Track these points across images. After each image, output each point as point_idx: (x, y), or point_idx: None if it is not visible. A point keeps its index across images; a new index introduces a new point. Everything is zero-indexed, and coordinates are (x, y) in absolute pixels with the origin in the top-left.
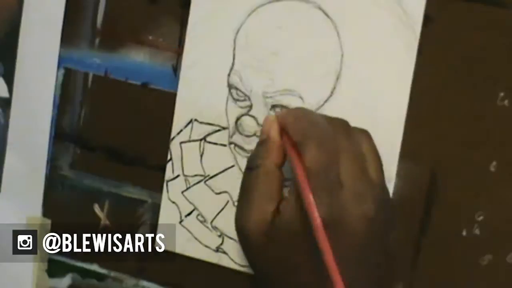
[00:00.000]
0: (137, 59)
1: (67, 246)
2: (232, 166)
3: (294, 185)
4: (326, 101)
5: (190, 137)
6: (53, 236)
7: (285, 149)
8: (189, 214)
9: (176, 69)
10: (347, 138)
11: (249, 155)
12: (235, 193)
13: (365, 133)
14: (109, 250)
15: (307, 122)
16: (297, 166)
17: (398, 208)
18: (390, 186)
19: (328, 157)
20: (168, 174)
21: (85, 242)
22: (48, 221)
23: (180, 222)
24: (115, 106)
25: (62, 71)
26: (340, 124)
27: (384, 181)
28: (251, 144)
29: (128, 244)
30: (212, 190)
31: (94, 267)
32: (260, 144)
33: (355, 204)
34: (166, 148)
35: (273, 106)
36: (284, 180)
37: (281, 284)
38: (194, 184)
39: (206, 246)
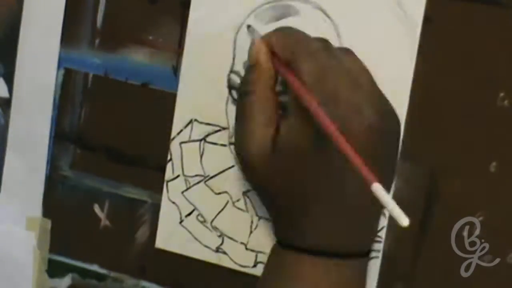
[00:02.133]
0: (137, 59)
1: (67, 246)
2: (232, 166)
3: (290, 104)
4: None
5: (190, 137)
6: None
7: (277, 70)
8: (189, 214)
9: (176, 69)
10: (333, 54)
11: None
12: (235, 193)
13: (346, 50)
14: (109, 250)
15: (293, 39)
16: (294, 82)
17: None
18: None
19: (320, 70)
20: (168, 174)
21: (85, 242)
22: (48, 221)
23: (180, 222)
24: (115, 106)
25: (62, 71)
26: (324, 43)
27: (380, 91)
28: None
29: (128, 244)
30: (212, 191)
31: (94, 267)
32: (249, 70)
33: (354, 114)
34: (166, 148)
35: None
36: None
37: (289, 198)
38: (194, 184)
39: (206, 246)
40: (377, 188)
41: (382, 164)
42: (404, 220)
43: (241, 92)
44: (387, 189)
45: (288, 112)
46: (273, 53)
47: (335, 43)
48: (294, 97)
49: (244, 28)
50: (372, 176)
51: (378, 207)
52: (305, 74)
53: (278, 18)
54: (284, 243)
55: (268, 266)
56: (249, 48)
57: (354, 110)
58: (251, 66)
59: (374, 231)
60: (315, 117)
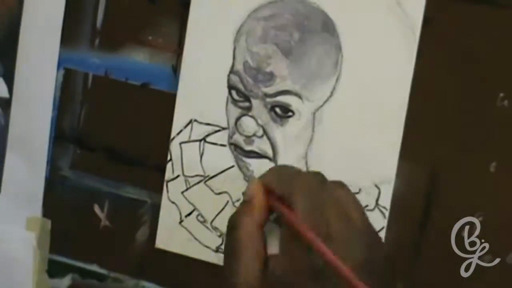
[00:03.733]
0: (137, 60)
1: (67, 246)
2: (232, 166)
3: (280, 240)
4: (325, 101)
5: (190, 137)
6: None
7: (271, 205)
8: (189, 214)
9: (176, 70)
10: (326, 190)
11: (248, 156)
12: (235, 194)
13: (340, 183)
14: (109, 250)
15: (288, 175)
16: (290, 217)
17: (398, 208)
18: (390, 186)
19: (315, 210)
20: (168, 174)
21: (85, 243)
22: (48, 222)
23: (180, 222)
24: (115, 106)
25: (62, 72)
26: (318, 177)
27: (371, 226)
28: (251, 145)
29: (128, 244)
30: (212, 191)
31: (94, 267)
32: (243, 204)
33: (346, 255)
34: (166, 148)
35: (273, 107)
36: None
37: None
38: (194, 185)
39: (206, 247)
40: None
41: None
42: None
43: (229, 226)
44: None
45: (278, 249)
46: (268, 192)
47: (335, 43)
48: (284, 235)
49: (244, 28)
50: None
51: None
52: (300, 210)
53: (278, 19)
54: None
55: None
56: (247, 186)
57: (346, 250)
58: (244, 201)
59: None
60: (313, 247)
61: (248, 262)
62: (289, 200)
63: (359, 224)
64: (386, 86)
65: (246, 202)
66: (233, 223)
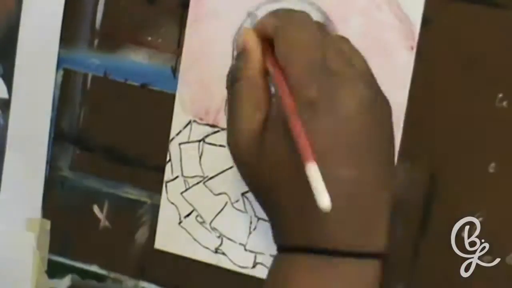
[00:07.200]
0: (136, 60)
1: (66, 247)
2: (231, 167)
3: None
4: None
5: (189, 138)
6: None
7: (266, 61)
8: (188, 215)
9: (175, 70)
10: (326, 31)
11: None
12: (234, 194)
13: (343, 36)
14: (109, 251)
15: (278, 15)
16: (277, 78)
17: (398, 208)
18: None
19: (310, 39)
20: (167, 175)
21: (84, 243)
22: (48, 222)
23: (179, 223)
24: (114, 107)
25: (61, 72)
26: (318, 24)
27: (372, 74)
28: None
29: (127, 245)
30: (211, 191)
31: (94, 268)
32: (238, 57)
33: (348, 87)
34: (165, 149)
35: None
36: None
37: (271, 203)
38: (193, 185)
39: (205, 247)
40: (311, 168)
41: (377, 149)
42: (324, 204)
43: (230, 79)
44: (389, 177)
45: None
46: (265, 40)
47: None
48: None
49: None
50: (309, 154)
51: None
52: (287, 43)
53: None
54: (284, 246)
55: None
56: (239, 36)
57: (348, 83)
58: (239, 53)
59: (386, 227)
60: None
61: (249, 112)
62: (275, 37)
63: (361, 68)
64: (384, 86)
65: (241, 55)
66: (233, 78)
